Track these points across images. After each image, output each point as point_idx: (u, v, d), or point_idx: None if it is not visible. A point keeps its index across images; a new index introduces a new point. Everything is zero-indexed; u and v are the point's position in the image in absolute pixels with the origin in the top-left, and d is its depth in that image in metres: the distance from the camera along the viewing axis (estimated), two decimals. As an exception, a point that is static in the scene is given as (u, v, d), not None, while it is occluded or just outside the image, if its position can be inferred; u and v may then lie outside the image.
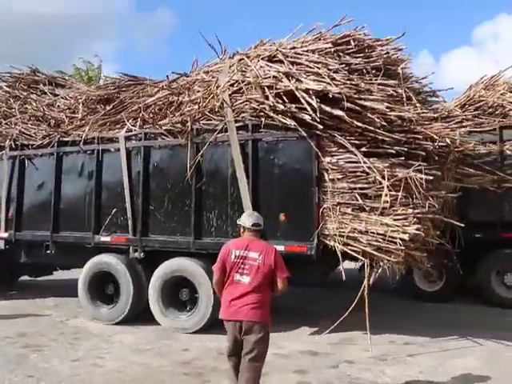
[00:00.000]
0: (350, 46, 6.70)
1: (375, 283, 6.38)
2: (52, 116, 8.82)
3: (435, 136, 6.06)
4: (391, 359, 5.99)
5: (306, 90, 6.09)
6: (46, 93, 9.67)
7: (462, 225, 6.69)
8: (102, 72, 18.73)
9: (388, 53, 6.93)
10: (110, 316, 7.59)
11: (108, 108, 8.32)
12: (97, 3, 58.75)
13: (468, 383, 5.26)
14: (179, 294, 7.28)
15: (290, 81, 6.29)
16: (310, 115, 6.09)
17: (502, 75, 9.82)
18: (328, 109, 5.98)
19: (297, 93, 6.09)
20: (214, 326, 6.71)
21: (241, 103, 6.82)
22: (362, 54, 6.79)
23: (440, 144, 6.35)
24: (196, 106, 7.16)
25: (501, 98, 9.26)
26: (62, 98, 9.35)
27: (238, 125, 6.81)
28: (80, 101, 8.86)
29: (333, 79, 6.16)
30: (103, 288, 7.83)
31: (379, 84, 6.50)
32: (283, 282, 4.27)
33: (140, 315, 7.60)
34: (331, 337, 6.77)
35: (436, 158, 6.37)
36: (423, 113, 6.54)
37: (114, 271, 7.58)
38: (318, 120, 6.02)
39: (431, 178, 6.07)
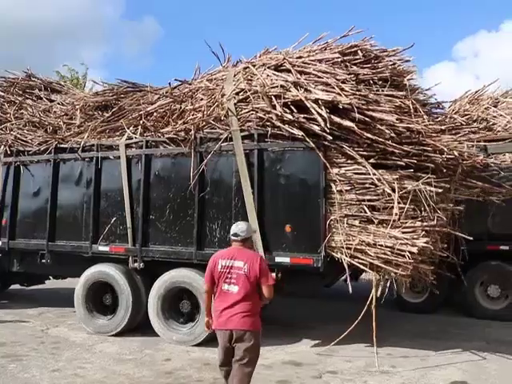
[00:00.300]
0: (358, 57, 6.64)
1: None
2: (49, 122, 8.63)
3: (445, 148, 6.00)
4: (374, 370, 5.97)
5: (316, 100, 6.01)
6: (41, 98, 9.48)
7: (471, 238, 6.64)
8: (88, 79, 18.55)
9: (394, 64, 6.87)
10: (107, 327, 7.39)
11: (107, 115, 8.16)
12: (84, 8, 58.13)
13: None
14: (180, 305, 7.12)
15: (298, 90, 6.20)
16: (319, 125, 6.01)
17: (486, 90, 10.03)
18: (338, 119, 5.90)
19: (306, 103, 6.00)
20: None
21: (246, 112, 6.71)
22: (369, 65, 6.72)
23: (448, 156, 6.31)
24: (200, 114, 7.03)
25: (485, 113, 9.38)
26: (59, 103, 9.18)
27: (243, 134, 6.69)
28: (77, 107, 8.69)
29: (342, 89, 6.09)
30: (101, 298, 7.64)
31: (386, 95, 6.46)
32: (269, 289, 4.33)
33: (139, 327, 7.45)
34: (315, 347, 6.84)
35: (444, 171, 6.31)
36: (430, 125, 6.49)
37: (112, 281, 7.39)
38: (328, 131, 5.94)
39: (440, 190, 6.03)
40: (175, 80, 7.71)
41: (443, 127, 6.74)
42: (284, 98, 6.23)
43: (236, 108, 6.78)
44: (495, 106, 9.57)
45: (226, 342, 4.25)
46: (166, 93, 7.93)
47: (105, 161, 7.71)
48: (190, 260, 6.99)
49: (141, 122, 7.57)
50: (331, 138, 6.02)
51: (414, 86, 7.30)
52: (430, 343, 7.04)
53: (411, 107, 6.51)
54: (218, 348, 4.40)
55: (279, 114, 6.25)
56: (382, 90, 6.55)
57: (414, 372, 5.93)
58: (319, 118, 5.83)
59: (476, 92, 10.04)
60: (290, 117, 6.14)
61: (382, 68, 6.70)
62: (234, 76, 7.09)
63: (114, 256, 7.54)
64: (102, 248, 7.56)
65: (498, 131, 8.94)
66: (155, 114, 7.59)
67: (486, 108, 9.46)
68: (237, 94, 6.84)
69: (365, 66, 6.71)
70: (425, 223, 6.02)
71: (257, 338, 4.29)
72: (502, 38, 67.42)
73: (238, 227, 4.58)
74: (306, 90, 6.20)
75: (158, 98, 8.04)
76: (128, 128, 7.63)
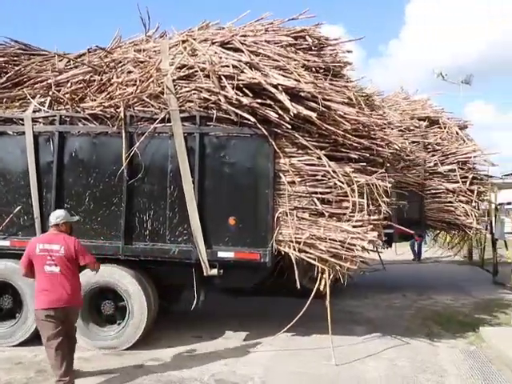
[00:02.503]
0: (306, 42, 6.35)
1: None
2: None
3: (397, 142, 6.04)
4: (197, 354, 6.10)
5: (276, 86, 5.58)
6: None
7: (411, 232, 6.84)
8: None
9: (335, 53, 6.72)
10: (8, 336, 6.17)
11: (0, 80, 6.75)
12: None
13: (268, 372, 5.51)
14: (102, 307, 6.24)
15: (254, 73, 5.71)
16: (276, 112, 5.61)
17: None
18: (300, 108, 5.54)
19: (268, 87, 5.55)
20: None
21: (188, 91, 6.03)
22: (313, 52, 6.49)
23: (391, 151, 6.38)
24: (130, 89, 6.15)
25: None
26: None
27: (183, 115, 6.01)
28: (-46, 69, 7.05)
29: (299, 75, 5.76)
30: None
31: (335, 85, 6.29)
32: (91, 265, 5.12)
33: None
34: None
35: (388, 165, 6.37)
36: (376, 118, 6.50)
37: (14, 281, 6.18)
38: (288, 119, 5.57)
39: (390, 185, 6.07)
40: (96, 47, 6.62)
41: (385, 121, 6.79)
42: (238, 80, 5.70)
43: (175, 86, 6.05)
44: None
45: (57, 319, 4.68)
46: (77, 58, 6.82)
47: (2, 136, 6.39)
48: (115, 256, 6.15)
49: (50, 92, 6.39)
50: (290, 126, 5.67)
51: (350, 79, 7.25)
52: (251, 323, 7.24)
53: (354, 100, 6.44)
54: (44, 327, 4.71)
55: (230, 96, 5.70)
56: (325, 79, 6.37)
57: (235, 352, 6.15)
58: (288, 105, 5.41)
59: None
60: (245, 101, 5.62)
61: (328, 57, 6.52)
62: (170, 49, 6.33)
63: (16, 252, 6.27)
64: (1, 243, 6.28)
65: None
66: (70, 84, 6.45)
67: None
68: (175, 69, 6.10)
69: (309, 52, 6.46)
70: (372, 217, 6.03)
71: (79, 312, 5.19)
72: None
73: (54, 215, 5.05)
74: (262, 73, 5.73)
75: (66, 65, 6.88)
76: (33, 98, 6.40)
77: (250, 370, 5.56)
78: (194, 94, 6.02)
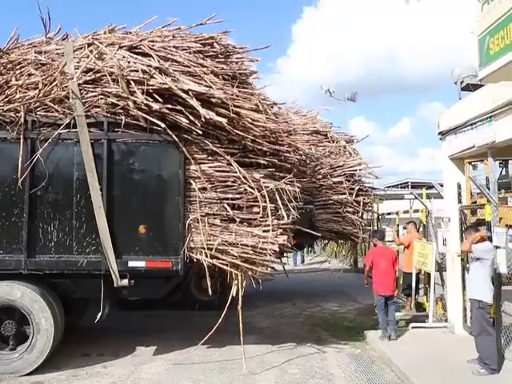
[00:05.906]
0: (214, 49, 6.40)
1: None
2: None
3: (305, 148, 6.25)
4: (84, 373, 5.94)
5: (187, 91, 5.57)
6: None
7: (319, 234, 7.07)
8: None
9: (243, 61, 6.82)
10: None
11: None
12: None
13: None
14: (2, 328, 5.87)
15: (164, 78, 5.66)
16: (187, 118, 5.60)
17: None
18: (212, 114, 5.57)
19: (179, 93, 5.52)
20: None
21: (94, 96, 5.84)
22: (220, 59, 6.55)
23: (298, 157, 6.59)
24: (32, 93, 5.84)
25: None
26: None
27: (89, 121, 5.82)
28: None
29: (209, 81, 5.80)
30: None
31: (243, 92, 6.39)
32: None
33: None
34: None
35: (295, 171, 6.58)
36: (285, 126, 6.69)
37: None
38: (199, 125, 5.59)
39: (298, 190, 6.27)
40: (-9, 47, 6.20)
41: (291, 128, 7.00)
42: (148, 85, 5.61)
43: (81, 90, 5.84)
44: None
45: None
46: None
47: None
48: (17, 270, 5.79)
49: None
50: (200, 132, 5.69)
51: (256, 87, 7.38)
52: (140, 338, 7.20)
53: (261, 107, 6.58)
54: None
55: (140, 101, 5.61)
56: (233, 87, 6.46)
57: (124, 369, 6.06)
58: (200, 111, 5.42)
59: None
60: (155, 106, 5.55)
61: (234, 64, 6.60)
62: (74, 52, 6.09)
63: None
64: None
65: None
66: (-39, 86, 5.99)
67: None
68: (81, 73, 5.88)
69: (217, 59, 6.51)
70: (281, 221, 6.18)
71: None
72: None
73: None
74: (172, 78, 5.69)
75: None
76: None
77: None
78: (101, 98, 5.85)
